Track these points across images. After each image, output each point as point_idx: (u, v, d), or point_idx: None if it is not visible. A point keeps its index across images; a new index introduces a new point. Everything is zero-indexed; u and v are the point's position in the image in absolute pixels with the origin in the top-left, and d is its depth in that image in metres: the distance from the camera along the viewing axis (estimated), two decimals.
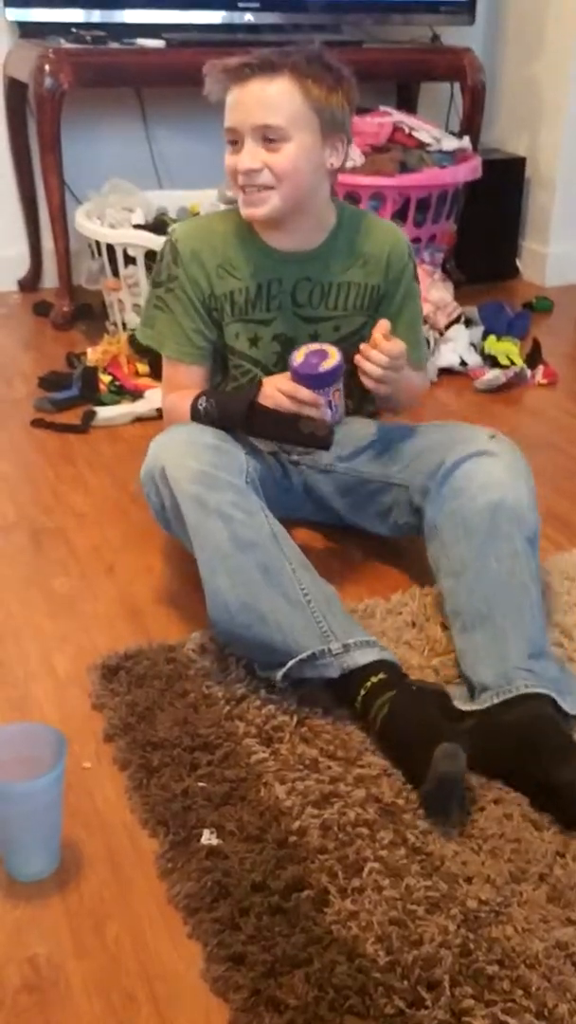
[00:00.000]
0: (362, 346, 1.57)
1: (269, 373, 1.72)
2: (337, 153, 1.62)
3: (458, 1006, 1.01)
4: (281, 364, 1.73)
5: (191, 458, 1.49)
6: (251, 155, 1.55)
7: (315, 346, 1.59)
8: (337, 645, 1.38)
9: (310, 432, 1.58)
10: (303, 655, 1.38)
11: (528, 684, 1.35)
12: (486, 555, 1.45)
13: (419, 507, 1.62)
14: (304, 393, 1.56)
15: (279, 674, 1.40)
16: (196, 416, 1.63)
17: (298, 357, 1.57)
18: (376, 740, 1.35)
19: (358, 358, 1.57)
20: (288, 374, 1.60)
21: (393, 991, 1.02)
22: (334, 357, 1.56)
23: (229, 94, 1.56)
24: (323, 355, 1.57)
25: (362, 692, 1.36)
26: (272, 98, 1.53)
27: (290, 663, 1.38)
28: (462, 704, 1.39)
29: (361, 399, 1.80)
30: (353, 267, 1.71)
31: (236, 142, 1.58)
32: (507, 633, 1.40)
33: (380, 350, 1.55)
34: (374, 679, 1.36)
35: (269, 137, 1.55)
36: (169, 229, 1.77)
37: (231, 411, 1.60)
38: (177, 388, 1.73)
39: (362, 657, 1.38)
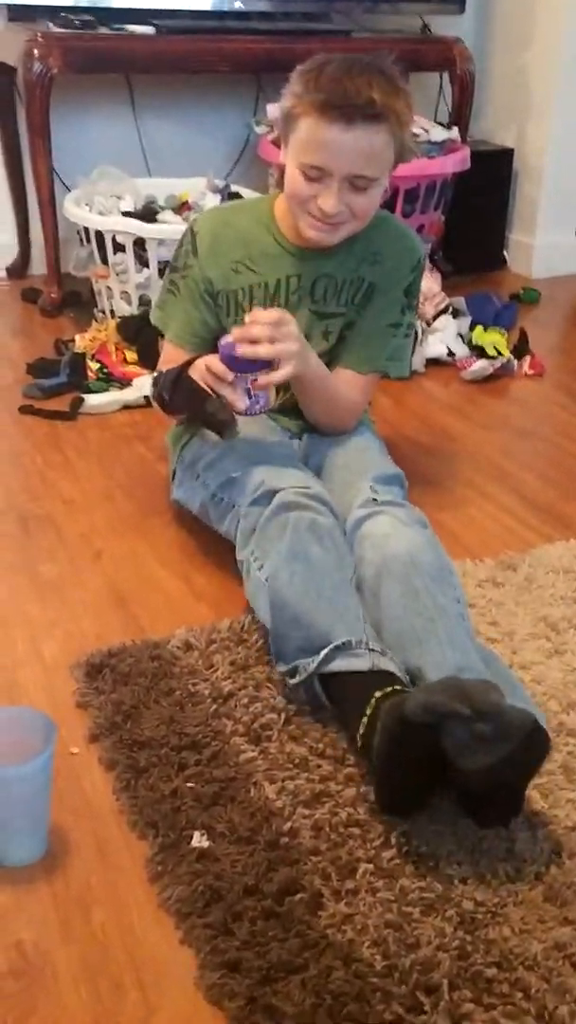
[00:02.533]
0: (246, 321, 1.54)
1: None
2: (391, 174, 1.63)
3: (457, 1011, 1.00)
4: None
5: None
6: (337, 200, 1.55)
7: None
8: (375, 644, 1.33)
9: (213, 412, 1.57)
10: (339, 641, 1.32)
11: None
12: (392, 607, 1.40)
13: None
14: (219, 367, 1.53)
15: (312, 664, 1.33)
16: (153, 383, 1.68)
17: (228, 337, 1.53)
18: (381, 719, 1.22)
19: (242, 351, 1.51)
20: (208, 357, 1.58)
21: (391, 996, 1.01)
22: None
23: (321, 128, 1.51)
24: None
25: (377, 693, 1.26)
26: (374, 151, 1.53)
27: (326, 649, 1.32)
28: None
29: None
30: (364, 264, 1.71)
31: (318, 175, 1.55)
32: (420, 669, 1.32)
33: (255, 319, 1.52)
34: (395, 687, 1.28)
35: (359, 185, 1.55)
36: (192, 218, 1.76)
37: (167, 378, 1.63)
38: (171, 363, 1.73)
39: (393, 667, 1.31)
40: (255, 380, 1.54)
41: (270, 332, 1.51)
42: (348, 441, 1.75)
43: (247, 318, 1.53)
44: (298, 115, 1.53)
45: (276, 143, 1.77)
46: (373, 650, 1.32)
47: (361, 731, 1.25)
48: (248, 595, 1.53)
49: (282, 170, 1.62)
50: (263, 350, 1.50)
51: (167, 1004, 1.02)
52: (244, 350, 1.50)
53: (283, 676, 1.40)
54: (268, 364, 1.54)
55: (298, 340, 1.57)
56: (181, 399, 1.62)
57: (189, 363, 1.61)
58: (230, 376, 1.53)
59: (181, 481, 1.78)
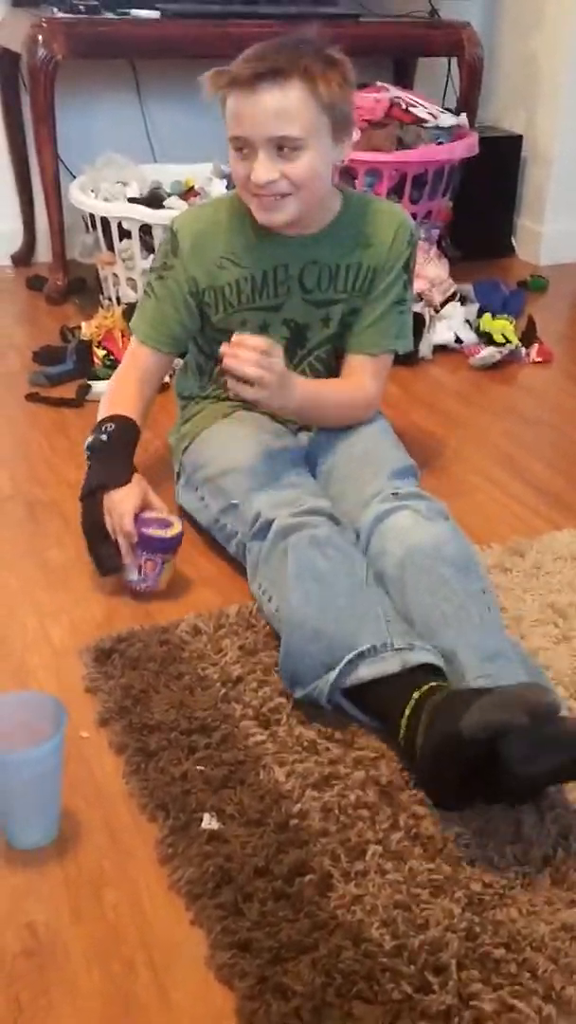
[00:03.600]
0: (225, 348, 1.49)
1: None
2: (345, 147, 1.61)
3: (466, 990, 1.00)
4: (290, 351, 1.73)
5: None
6: (267, 168, 1.53)
7: (170, 518, 1.60)
8: (401, 641, 1.31)
9: (104, 555, 1.59)
10: (363, 647, 1.30)
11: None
12: (420, 595, 1.40)
13: None
14: (128, 526, 1.55)
15: (332, 674, 1.30)
16: (94, 429, 1.68)
17: (145, 514, 1.58)
18: (421, 721, 1.21)
19: (227, 361, 1.47)
20: (141, 495, 1.59)
21: (400, 976, 1.01)
22: (163, 532, 1.57)
23: (233, 100, 1.52)
24: (163, 524, 1.58)
25: (416, 694, 1.24)
26: (287, 108, 1.50)
27: (348, 656, 1.29)
28: None
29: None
30: (358, 248, 1.70)
31: (243, 149, 1.55)
32: (456, 651, 1.32)
33: (245, 345, 1.48)
34: (434, 683, 1.26)
35: (285, 147, 1.53)
36: (171, 219, 1.76)
37: (89, 474, 1.64)
38: (128, 368, 1.76)
39: (427, 657, 1.30)
40: (148, 561, 1.57)
41: (256, 357, 1.48)
42: (357, 434, 1.73)
43: (234, 338, 1.51)
44: (223, 100, 1.55)
45: None
46: (400, 648, 1.30)
47: (402, 733, 1.24)
48: (271, 626, 1.52)
49: None
50: (250, 370, 1.48)
51: (178, 984, 1.02)
52: (229, 362, 1.48)
53: (301, 701, 1.36)
54: (164, 551, 1.57)
55: (280, 375, 1.52)
56: (85, 515, 1.61)
57: (107, 483, 1.60)
58: (133, 536, 1.55)
59: (184, 488, 1.78)
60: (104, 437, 1.65)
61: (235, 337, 1.49)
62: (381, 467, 1.63)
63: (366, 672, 1.30)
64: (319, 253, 1.68)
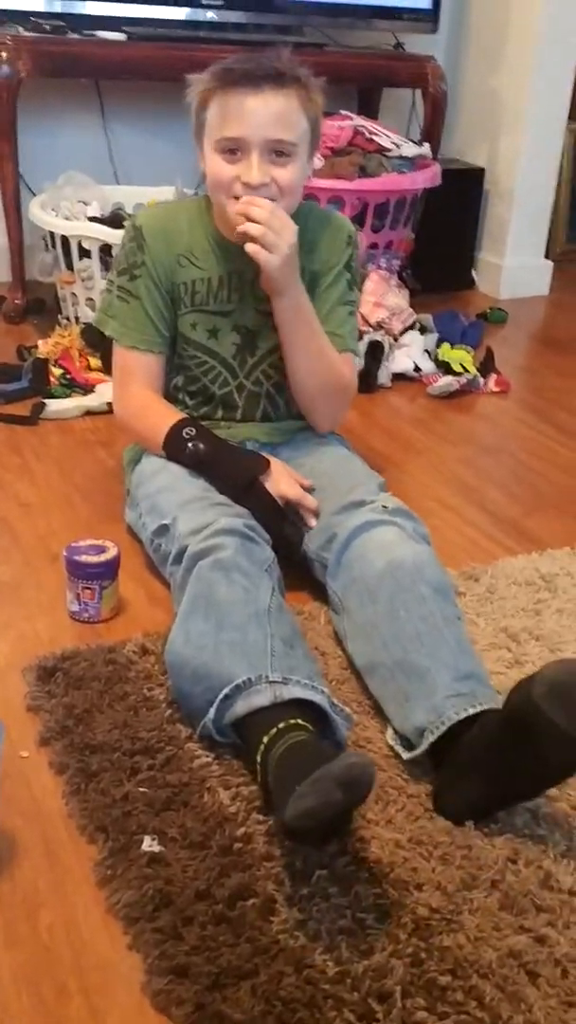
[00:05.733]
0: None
1: (227, 366, 1.73)
2: (311, 166, 1.64)
3: (410, 1018, 0.98)
4: (240, 356, 1.72)
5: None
6: (261, 170, 1.54)
7: (105, 543, 1.58)
8: (277, 675, 1.25)
9: (288, 535, 1.60)
10: (238, 680, 1.25)
11: (458, 711, 1.24)
12: (395, 608, 1.38)
13: (319, 578, 1.59)
14: (310, 500, 1.59)
15: (211, 712, 1.26)
16: (181, 448, 1.62)
17: (74, 544, 1.57)
18: (268, 768, 1.17)
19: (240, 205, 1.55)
20: (289, 469, 1.65)
21: (343, 1003, 0.98)
22: (95, 558, 1.55)
23: (229, 100, 1.52)
24: (97, 550, 1.56)
25: (265, 739, 1.18)
26: (288, 113, 1.53)
27: (223, 691, 1.25)
28: (404, 753, 1.30)
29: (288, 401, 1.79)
30: (303, 254, 1.69)
31: (236, 151, 1.54)
32: (429, 669, 1.30)
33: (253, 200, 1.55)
34: (300, 720, 1.20)
35: (278, 151, 1.54)
36: (130, 215, 1.74)
37: (228, 477, 1.59)
38: (133, 379, 1.72)
39: (301, 692, 1.24)
40: (85, 589, 1.55)
41: (268, 216, 1.53)
42: (323, 452, 1.74)
43: (244, 198, 1.55)
44: (208, 98, 1.54)
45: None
46: (274, 682, 1.24)
47: (259, 776, 1.21)
48: None
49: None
50: (255, 229, 1.54)
51: (112, 1010, 0.99)
52: (243, 227, 1.54)
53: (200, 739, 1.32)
54: (98, 577, 1.54)
55: (292, 238, 1.57)
56: (252, 508, 1.56)
57: (259, 471, 1.60)
58: (314, 504, 1.60)
59: (129, 505, 1.75)
60: (201, 445, 1.62)
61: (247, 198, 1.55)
62: (368, 478, 1.65)
63: (241, 707, 1.25)
64: None
